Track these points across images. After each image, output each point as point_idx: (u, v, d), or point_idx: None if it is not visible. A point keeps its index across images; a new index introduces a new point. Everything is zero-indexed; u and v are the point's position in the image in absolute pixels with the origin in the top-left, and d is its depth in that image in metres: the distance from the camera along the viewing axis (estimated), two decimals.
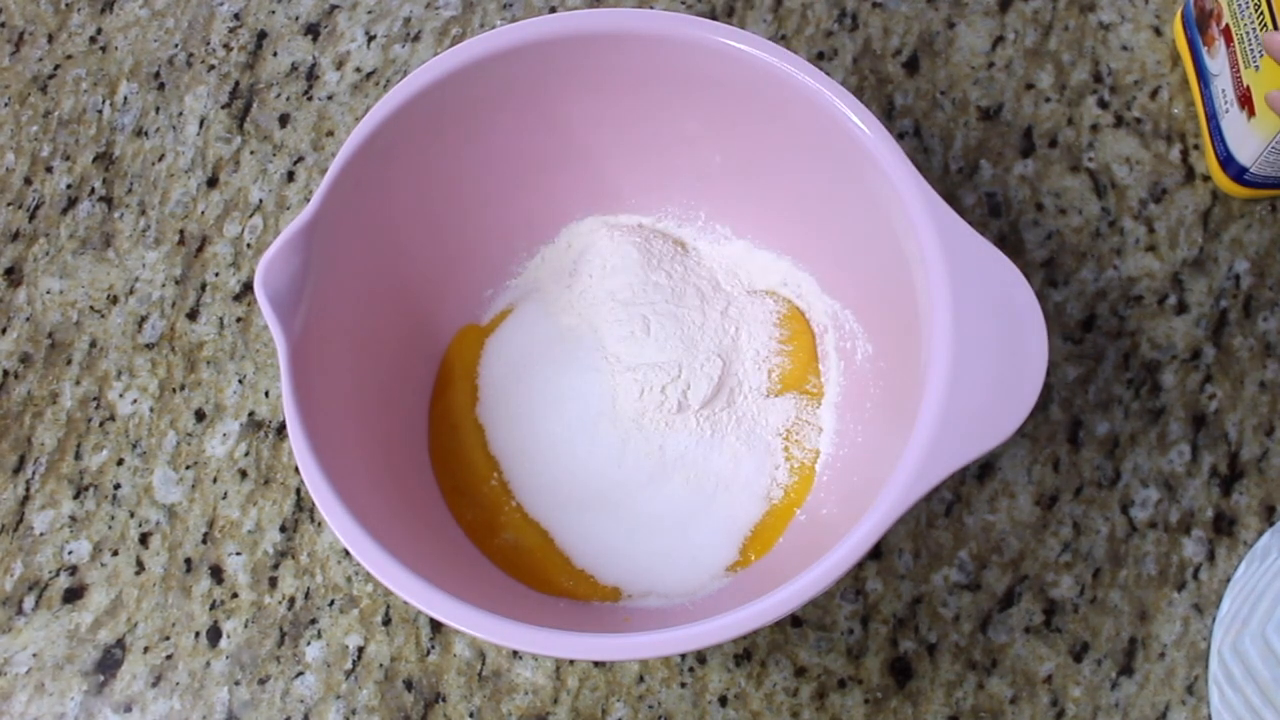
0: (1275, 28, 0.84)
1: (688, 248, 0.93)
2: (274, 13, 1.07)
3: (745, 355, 0.91)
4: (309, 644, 0.89)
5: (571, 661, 0.89)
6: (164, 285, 0.98)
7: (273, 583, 0.91)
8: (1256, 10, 0.87)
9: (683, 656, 0.89)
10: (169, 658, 0.89)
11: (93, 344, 0.97)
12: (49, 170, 1.02)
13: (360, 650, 0.89)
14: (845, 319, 0.89)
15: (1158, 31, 1.02)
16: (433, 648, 0.89)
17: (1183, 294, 0.95)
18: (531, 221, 0.94)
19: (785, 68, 0.78)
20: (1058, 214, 0.97)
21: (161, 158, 1.02)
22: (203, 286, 0.98)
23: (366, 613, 0.90)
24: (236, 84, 1.05)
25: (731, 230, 0.93)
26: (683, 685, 0.88)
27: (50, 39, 1.07)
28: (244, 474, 0.93)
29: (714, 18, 1.01)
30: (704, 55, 0.79)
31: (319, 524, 0.92)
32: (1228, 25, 0.91)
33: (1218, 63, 0.94)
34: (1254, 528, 0.90)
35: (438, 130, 0.82)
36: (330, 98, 1.03)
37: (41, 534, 0.93)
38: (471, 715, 0.88)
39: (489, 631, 0.68)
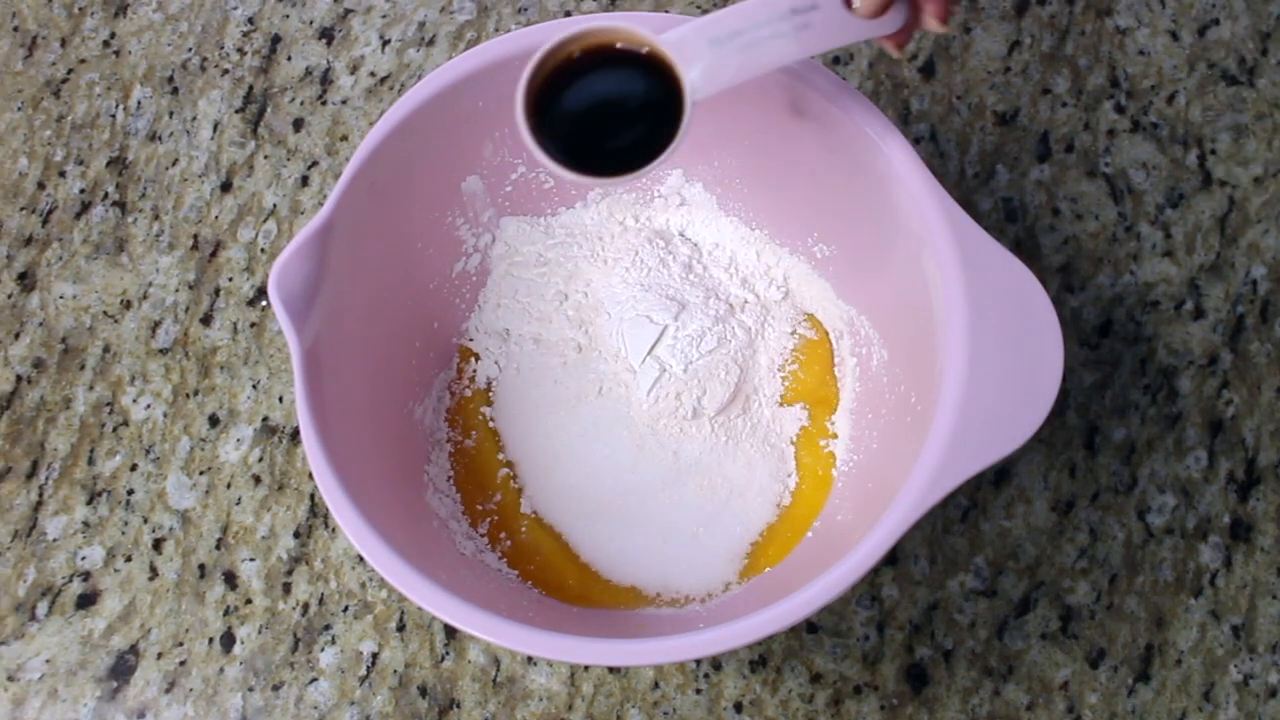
0: None
1: (704, 253, 0.93)
2: (288, 17, 1.06)
3: (761, 362, 0.91)
4: (323, 650, 0.89)
5: (586, 667, 0.88)
6: (177, 290, 0.98)
7: (287, 589, 0.91)
8: None
9: (698, 663, 0.88)
10: (182, 664, 0.89)
11: (106, 349, 0.97)
12: (62, 175, 1.02)
13: (375, 656, 0.89)
14: (861, 325, 0.89)
15: (1174, 36, 1.02)
16: (447, 654, 0.89)
17: (1200, 299, 0.95)
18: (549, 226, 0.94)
19: (800, 72, 0.77)
20: (1074, 219, 0.97)
21: (175, 162, 1.02)
22: (216, 291, 0.98)
23: (381, 618, 0.90)
24: (250, 88, 1.05)
25: (747, 235, 0.93)
26: (698, 691, 0.87)
27: (63, 43, 1.07)
28: (258, 479, 0.93)
29: None
30: None
31: (333, 529, 0.92)
32: None
33: None
34: (1271, 534, 0.90)
35: (451, 134, 0.82)
36: (344, 102, 1.03)
37: (55, 540, 0.93)
38: None
39: (504, 637, 0.68)
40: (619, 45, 0.70)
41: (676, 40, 0.69)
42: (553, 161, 0.69)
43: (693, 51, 0.69)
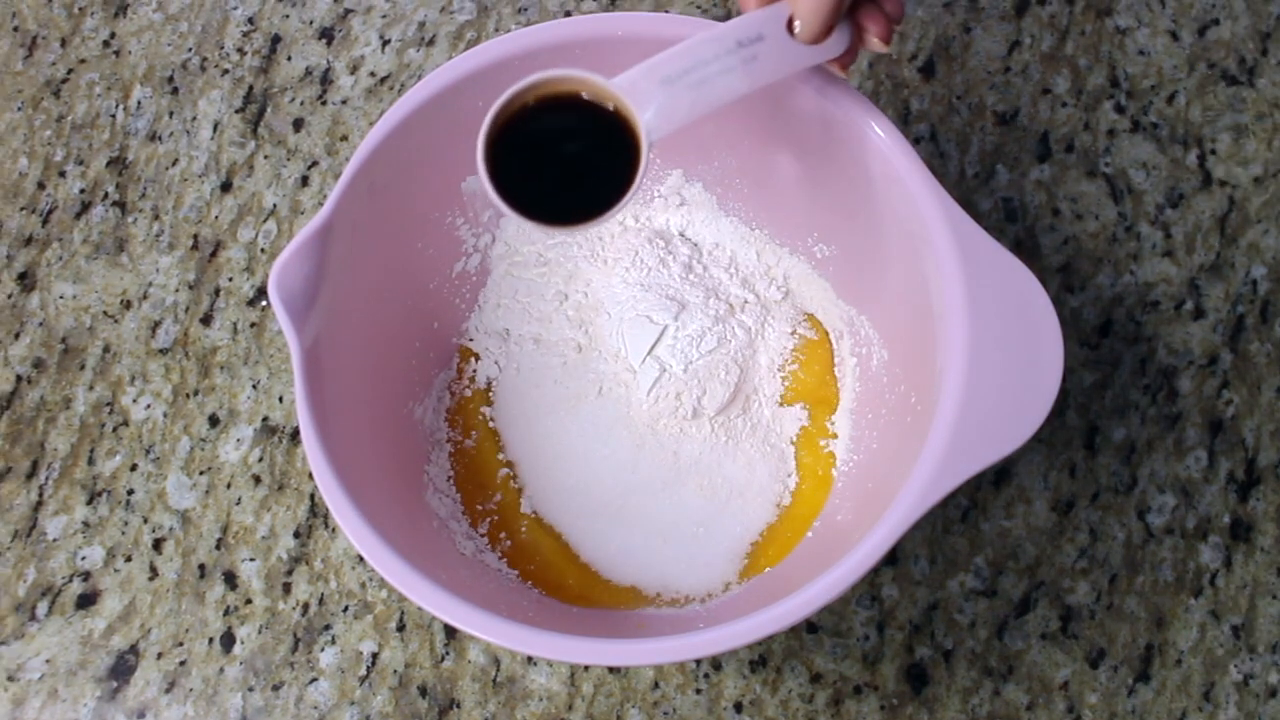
0: None
1: (704, 253, 0.93)
2: (288, 17, 1.06)
3: (761, 362, 0.91)
4: (323, 650, 0.89)
5: (586, 667, 0.88)
6: (177, 290, 0.98)
7: (287, 589, 0.91)
8: None
9: (698, 663, 0.88)
10: (182, 664, 0.89)
11: (106, 349, 0.97)
12: (62, 175, 1.02)
13: (375, 656, 0.89)
14: (861, 325, 0.89)
15: (1174, 36, 1.02)
16: (447, 654, 0.89)
17: (1200, 299, 0.95)
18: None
19: (800, 72, 0.77)
20: (1074, 219, 0.97)
21: (175, 162, 1.02)
22: (216, 291, 0.98)
23: (381, 618, 0.90)
24: (250, 88, 1.05)
25: (747, 235, 0.93)
26: (698, 692, 0.87)
27: (63, 43, 1.07)
28: (258, 479, 0.93)
29: None
30: None
31: (333, 529, 0.92)
32: None
33: None
34: (1271, 534, 0.90)
35: (451, 134, 0.82)
36: (344, 102, 1.03)
37: (55, 540, 0.93)
38: None
39: (504, 637, 0.68)
40: (572, 92, 0.71)
41: (628, 84, 0.69)
42: (518, 214, 0.70)
43: (645, 93, 0.69)
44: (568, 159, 0.73)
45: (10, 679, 0.90)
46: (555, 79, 0.70)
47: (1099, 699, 0.87)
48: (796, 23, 0.71)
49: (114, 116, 1.04)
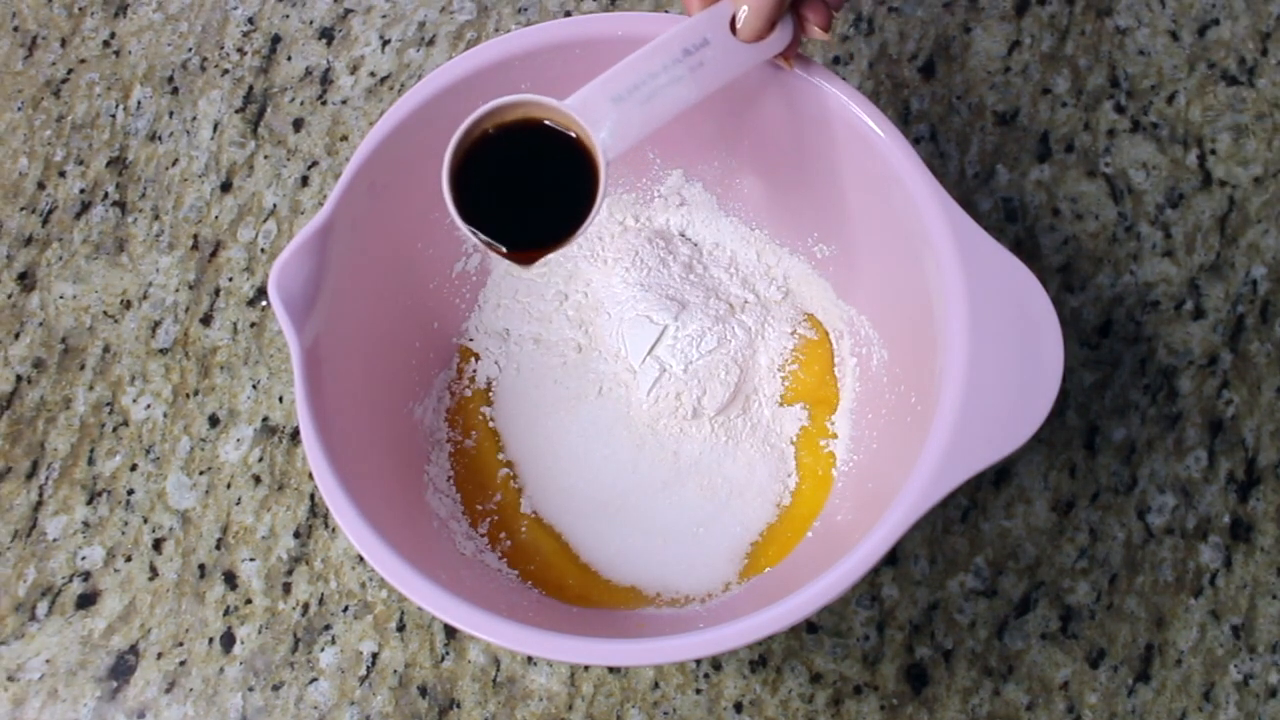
0: None
1: (704, 253, 0.93)
2: (288, 17, 1.06)
3: (761, 362, 0.90)
4: (323, 650, 0.89)
5: (586, 667, 0.88)
6: (177, 290, 0.98)
7: (287, 589, 0.91)
8: None
9: (698, 663, 0.88)
10: (182, 664, 0.89)
11: (106, 349, 0.97)
12: (62, 175, 1.02)
13: (375, 656, 0.89)
14: (861, 325, 0.89)
15: (1174, 36, 1.02)
16: (447, 654, 0.89)
17: (1200, 299, 0.95)
18: None
19: (800, 71, 0.77)
20: (1074, 219, 0.97)
21: (175, 162, 1.02)
22: (216, 291, 0.98)
23: (381, 618, 0.90)
24: (250, 88, 1.04)
25: (747, 235, 0.93)
26: (698, 692, 0.87)
27: (63, 43, 1.07)
28: (258, 479, 0.93)
29: None
30: None
31: (333, 529, 0.92)
32: None
33: None
34: (1271, 534, 0.90)
35: (451, 134, 0.82)
36: (344, 102, 1.03)
37: (55, 540, 0.93)
38: None
39: (504, 637, 0.68)
40: (529, 117, 0.71)
41: (579, 104, 0.70)
42: (485, 242, 0.70)
43: (597, 112, 0.70)
44: (531, 183, 0.74)
45: (10, 679, 0.90)
46: (508, 105, 0.71)
47: (1099, 699, 0.87)
48: (739, 15, 0.71)
49: (114, 116, 1.04)
